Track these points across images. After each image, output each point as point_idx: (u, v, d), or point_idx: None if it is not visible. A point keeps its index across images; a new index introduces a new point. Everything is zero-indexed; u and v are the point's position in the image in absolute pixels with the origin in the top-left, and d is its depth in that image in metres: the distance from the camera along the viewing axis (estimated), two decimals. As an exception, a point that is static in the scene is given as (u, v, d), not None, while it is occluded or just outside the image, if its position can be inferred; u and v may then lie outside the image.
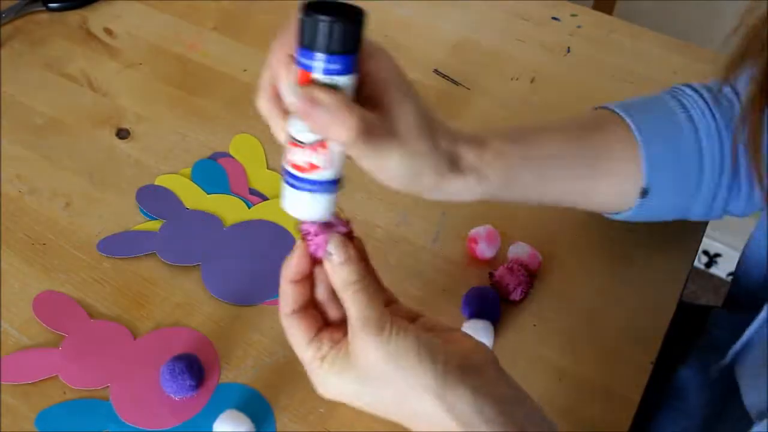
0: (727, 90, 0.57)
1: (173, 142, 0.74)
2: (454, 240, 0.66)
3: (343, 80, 0.41)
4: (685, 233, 0.68)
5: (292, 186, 0.43)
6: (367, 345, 0.42)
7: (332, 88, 0.41)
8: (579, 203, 0.59)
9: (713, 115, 0.57)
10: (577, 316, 0.62)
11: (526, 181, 0.54)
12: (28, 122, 0.75)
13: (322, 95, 0.40)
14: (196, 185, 0.69)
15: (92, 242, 0.65)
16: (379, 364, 0.42)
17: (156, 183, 0.70)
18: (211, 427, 0.53)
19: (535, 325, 0.61)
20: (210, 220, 0.67)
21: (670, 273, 0.65)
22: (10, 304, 0.61)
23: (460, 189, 0.51)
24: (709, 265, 1.71)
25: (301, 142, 0.42)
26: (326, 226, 0.44)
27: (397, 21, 0.87)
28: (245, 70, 0.81)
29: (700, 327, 0.69)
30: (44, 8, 0.86)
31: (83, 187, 0.69)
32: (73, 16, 0.87)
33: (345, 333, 0.44)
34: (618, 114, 0.58)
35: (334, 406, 0.56)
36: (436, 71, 0.82)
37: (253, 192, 0.69)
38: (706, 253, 1.70)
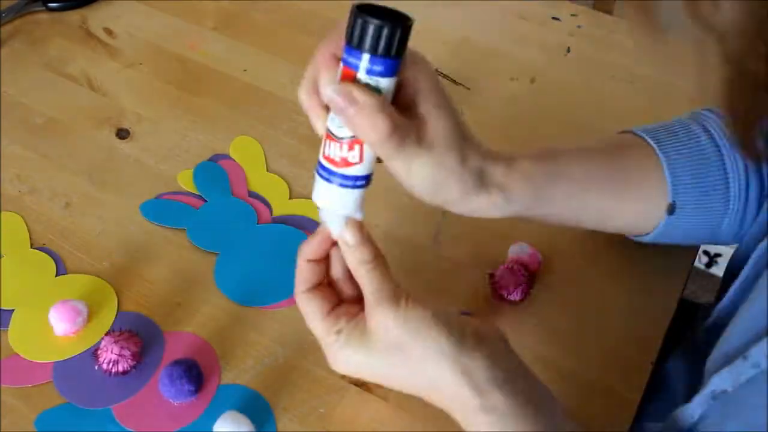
0: None
1: (173, 142, 0.73)
2: (454, 240, 0.66)
3: (384, 82, 0.43)
4: (685, 233, 0.68)
5: (325, 179, 0.46)
6: (385, 316, 0.45)
7: (372, 89, 0.42)
8: (606, 224, 0.59)
9: None
10: (576, 316, 0.62)
11: (553, 201, 0.54)
12: (28, 122, 0.75)
13: (359, 94, 0.42)
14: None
15: (92, 242, 0.65)
16: (396, 334, 0.45)
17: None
18: (211, 429, 0.53)
19: (535, 325, 0.61)
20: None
21: (670, 273, 0.65)
22: (10, 305, 0.61)
23: (486, 206, 0.51)
24: (709, 265, 1.71)
25: (338, 137, 0.44)
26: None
27: (397, 21, 0.86)
28: (245, 70, 0.81)
29: (695, 323, 0.69)
30: (44, 8, 0.86)
31: (83, 187, 0.69)
32: (73, 16, 0.87)
33: (361, 309, 0.47)
34: (641, 136, 0.59)
35: (334, 406, 0.56)
36: (436, 71, 0.81)
37: (252, 195, 0.69)
38: (706, 253, 1.70)
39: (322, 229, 0.47)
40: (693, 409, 0.50)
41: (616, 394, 0.57)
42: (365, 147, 0.44)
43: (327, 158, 0.45)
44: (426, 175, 0.47)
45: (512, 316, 0.61)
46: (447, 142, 0.47)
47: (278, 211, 0.67)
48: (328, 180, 0.45)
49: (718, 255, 1.69)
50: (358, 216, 0.47)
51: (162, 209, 0.67)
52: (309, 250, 0.48)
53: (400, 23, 0.41)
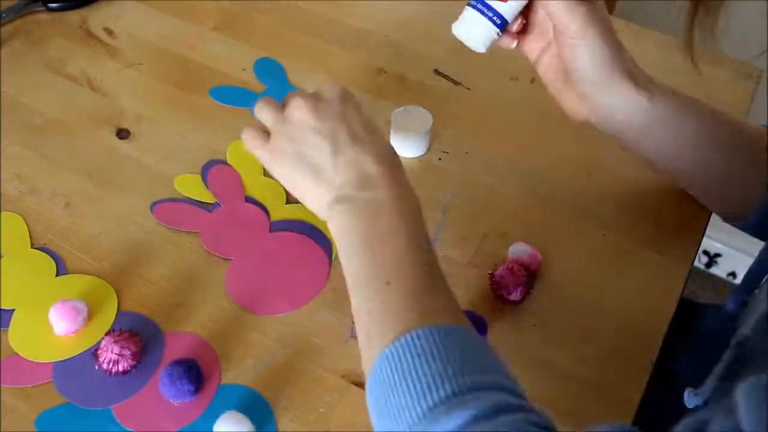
0: None
1: (173, 142, 0.74)
2: (454, 240, 0.66)
3: None
4: (685, 233, 0.68)
5: (473, 7, 0.58)
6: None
7: None
8: (713, 188, 0.63)
9: None
10: (577, 317, 0.62)
11: (686, 125, 0.59)
12: (28, 122, 0.75)
13: None
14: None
15: (92, 242, 0.65)
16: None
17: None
18: (211, 429, 0.53)
19: (535, 325, 0.61)
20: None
21: (670, 273, 0.65)
22: (10, 304, 0.61)
23: (630, 100, 0.57)
24: (709, 265, 1.71)
25: None
26: None
27: (397, 21, 0.87)
28: (245, 70, 0.81)
29: (696, 322, 0.69)
30: (44, 8, 0.86)
31: (83, 187, 0.69)
32: (73, 16, 0.87)
33: None
34: None
35: (334, 406, 0.56)
36: (436, 71, 0.82)
37: (249, 200, 0.69)
38: (706, 253, 1.70)
39: None
40: None
41: (616, 394, 0.57)
42: None
43: None
44: (594, 42, 0.56)
45: (512, 316, 0.61)
46: (610, 26, 0.57)
47: (275, 216, 0.67)
48: (474, 7, 0.58)
49: (718, 255, 1.69)
50: (484, 50, 0.60)
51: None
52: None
53: None
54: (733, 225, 0.64)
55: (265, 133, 0.58)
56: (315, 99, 0.56)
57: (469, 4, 0.58)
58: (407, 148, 0.72)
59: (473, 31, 0.59)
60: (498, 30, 0.58)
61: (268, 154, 0.57)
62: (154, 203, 0.68)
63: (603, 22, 0.56)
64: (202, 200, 0.68)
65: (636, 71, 0.59)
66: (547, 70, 0.62)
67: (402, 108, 0.74)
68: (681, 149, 0.60)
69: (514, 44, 0.62)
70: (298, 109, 0.55)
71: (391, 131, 0.72)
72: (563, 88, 0.62)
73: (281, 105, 0.58)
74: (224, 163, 0.72)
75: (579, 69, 0.58)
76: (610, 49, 0.57)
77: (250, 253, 0.65)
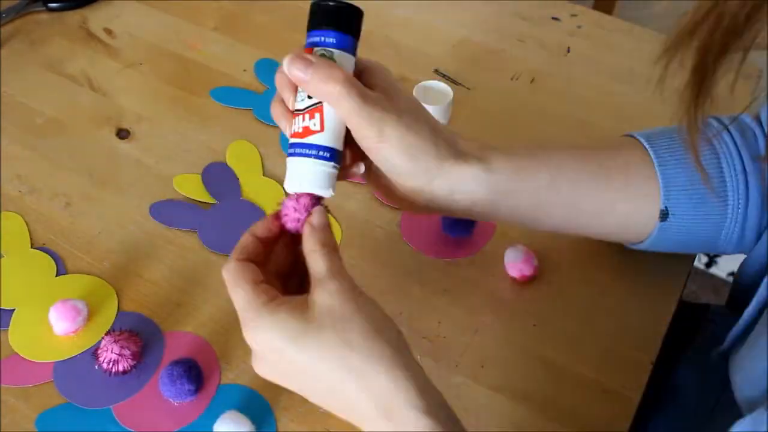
0: (749, 120, 0.57)
1: (173, 142, 0.74)
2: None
3: (338, 53, 0.47)
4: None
5: (291, 155, 0.47)
6: (340, 289, 0.44)
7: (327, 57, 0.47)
8: (597, 224, 0.57)
9: (737, 146, 0.55)
10: (577, 316, 0.62)
11: (537, 182, 0.53)
12: (28, 122, 0.75)
13: (314, 57, 0.46)
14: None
15: (92, 242, 0.65)
16: (342, 309, 0.43)
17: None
18: (211, 429, 0.53)
19: (535, 325, 0.61)
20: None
21: (670, 273, 0.65)
22: (10, 304, 0.61)
23: (467, 177, 0.50)
24: (709, 265, 1.71)
25: (299, 110, 0.47)
26: (308, 200, 0.48)
27: (397, 21, 0.87)
28: (245, 70, 0.81)
29: (699, 325, 0.69)
30: (44, 8, 0.86)
31: (83, 187, 0.69)
32: (73, 16, 0.87)
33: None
34: (635, 138, 0.58)
35: (334, 406, 0.56)
36: (436, 71, 0.82)
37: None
38: (706, 253, 1.70)
39: (272, 215, 0.48)
40: None
41: (616, 394, 0.57)
42: (326, 113, 0.46)
43: (293, 135, 0.47)
44: (398, 138, 0.47)
45: (512, 316, 0.61)
46: (415, 112, 0.49)
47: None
48: (292, 154, 0.47)
49: (718, 255, 1.69)
50: (328, 194, 0.48)
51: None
52: (259, 228, 0.48)
53: (344, 4, 0.47)
54: (636, 247, 0.60)
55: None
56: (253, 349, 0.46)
57: (288, 156, 0.47)
58: None
59: (308, 178, 0.47)
60: (333, 164, 0.47)
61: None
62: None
63: (405, 114, 0.48)
64: (201, 200, 0.68)
65: (463, 144, 0.51)
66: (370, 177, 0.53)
67: (422, 83, 0.75)
68: (540, 208, 0.54)
69: (362, 169, 0.51)
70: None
71: None
72: (389, 184, 0.52)
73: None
74: (223, 165, 0.71)
75: (396, 166, 0.49)
76: (424, 136, 0.48)
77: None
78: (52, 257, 0.63)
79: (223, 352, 0.58)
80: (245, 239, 0.47)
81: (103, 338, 0.56)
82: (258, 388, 0.56)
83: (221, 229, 0.66)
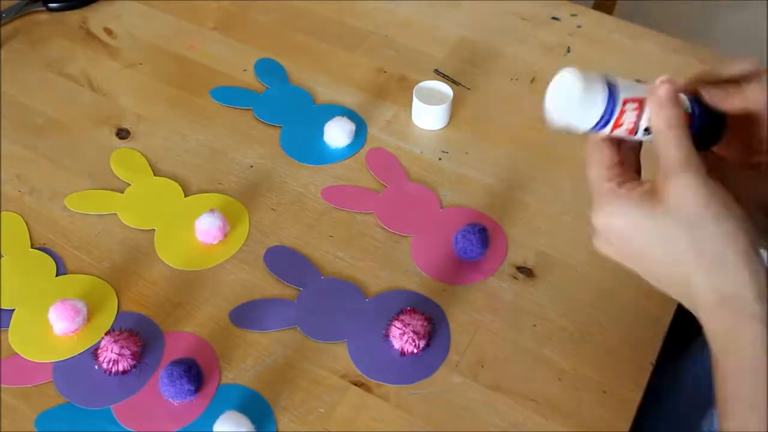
0: None
1: (173, 142, 0.74)
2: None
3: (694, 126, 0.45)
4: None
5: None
6: (687, 183, 0.42)
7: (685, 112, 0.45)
8: None
9: None
10: (577, 317, 0.62)
11: None
12: (28, 122, 0.75)
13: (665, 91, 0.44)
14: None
15: (92, 242, 0.65)
16: (695, 204, 0.42)
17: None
18: (211, 429, 0.53)
19: (535, 325, 0.61)
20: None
21: (670, 273, 0.65)
22: (10, 304, 0.61)
23: None
24: (709, 265, 1.70)
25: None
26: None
27: (397, 21, 0.87)
28: (245, 70, 0.81)
29: (699, 325, 0.68)
30: (44, 8, 0.86)
31: (83, 187, 0.69)
32: (73, 16, 0.87)
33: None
34: None
35: (334, 406, 0.56)
36: (436, 71, 0.82)
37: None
38: None
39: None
40: None
41: (616, 394, 0.57)
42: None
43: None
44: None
45: (512, 316, 0.61)
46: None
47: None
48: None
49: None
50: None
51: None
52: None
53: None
54: None
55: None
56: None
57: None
58: (429, 121, 0.75)
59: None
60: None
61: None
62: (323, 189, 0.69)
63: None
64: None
65: None
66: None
67: (422, 83, 0.76)
68: None
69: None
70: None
71: (413, 106, 0.75)
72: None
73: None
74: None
75: None
76: None
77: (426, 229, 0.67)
78: (52, 257, 0.63)
79: (223, 352, 0.58)
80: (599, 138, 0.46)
81: (102, 338, 0.56)
82: (258, 388, 0.56)
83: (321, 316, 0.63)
